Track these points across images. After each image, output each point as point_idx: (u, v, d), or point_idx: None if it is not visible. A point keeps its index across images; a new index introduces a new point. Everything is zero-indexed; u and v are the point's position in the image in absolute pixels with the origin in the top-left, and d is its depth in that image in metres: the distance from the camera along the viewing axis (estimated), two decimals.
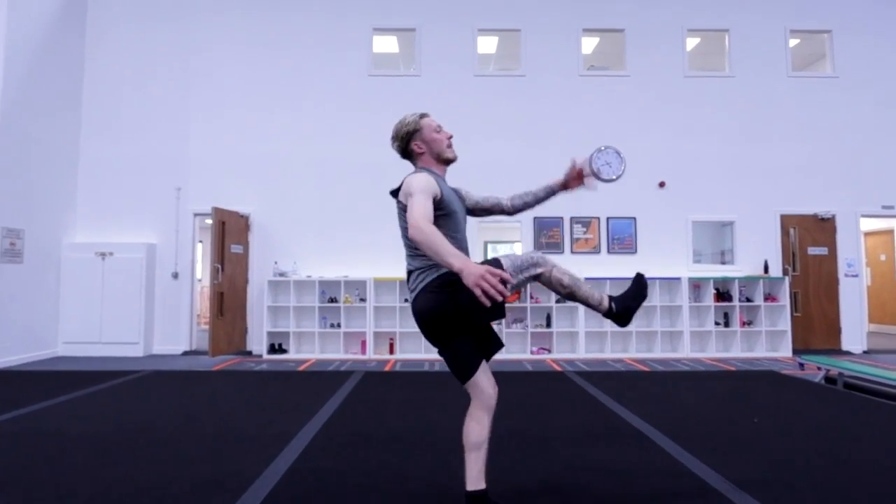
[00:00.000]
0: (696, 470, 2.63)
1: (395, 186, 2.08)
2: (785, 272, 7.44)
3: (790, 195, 7.57)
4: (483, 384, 2.03)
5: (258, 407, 4.14)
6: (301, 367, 6.25)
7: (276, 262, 7.26)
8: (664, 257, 7.44)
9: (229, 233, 7.03)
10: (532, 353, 7.11)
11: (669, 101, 7.65)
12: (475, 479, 2.01)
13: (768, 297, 7.28)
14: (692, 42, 8.04)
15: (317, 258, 7.33)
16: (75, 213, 7.36)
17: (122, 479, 2.52)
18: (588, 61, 8.11)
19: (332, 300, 7.20)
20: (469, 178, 8.06)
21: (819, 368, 5.21)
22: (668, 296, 7.31)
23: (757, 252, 7.49)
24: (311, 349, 7.14)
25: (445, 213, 2.01)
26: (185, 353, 7.18)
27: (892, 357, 6.97)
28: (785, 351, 7.11)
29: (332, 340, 7.18)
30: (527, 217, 7.47)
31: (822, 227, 7.55)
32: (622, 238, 7.49)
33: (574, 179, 2.50)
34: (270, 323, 7.11)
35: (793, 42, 7.93)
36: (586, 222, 7.49)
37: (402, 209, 2.01)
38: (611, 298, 2.13)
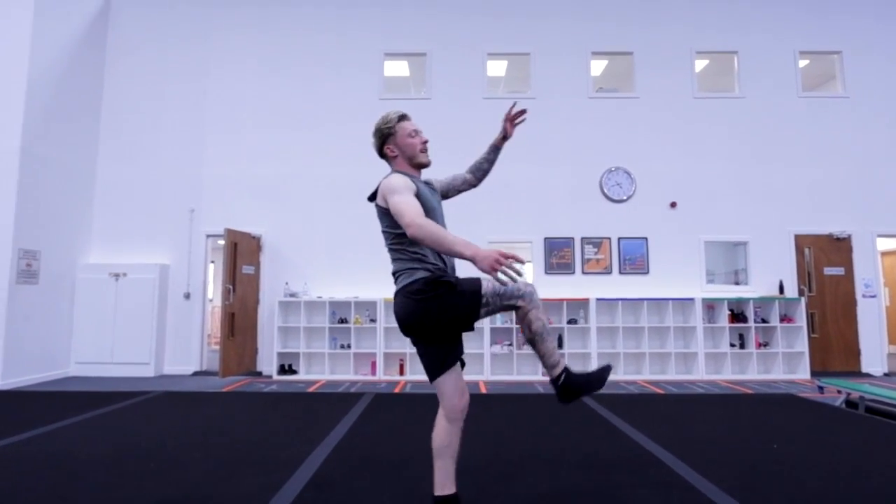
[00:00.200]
0: (713, 497, 2.56)
1: (372, 191, 2.13)
2: (801, 293, 7.33)
3: (804, 215, 7.50)
4: (447, 391, 2.06)
5: (269, 428, 4.11)
6: (311, 388, 6.22)
7: (286, 283, 7.29)
8: (677, 277, 7.37)
9: (241, 254, 7.09)
10: (543, 374, 7.01)
11: (679, 121, 7.67)
12: (440, 484, 2.04)
13: (784, 318, 7.16)
14: (701, 63, 8.09)
15: (327, 279, 7.35)
16: (90, 234, 7.47)
17: (133, 500, 2.50)
18: (597, 83, 8.18)
19: (343, 321, 7.19)
20: (479, 199, 8.10)
21: (839, 392, 5.09)
22: (681, 317, 7.21)
23: (771, 272, 7.39)
24: (322, 370, 7.11)
25: (423, 212, 2.01)
26: (196, 374, 7.19)
27: None
28: (803, 373, 6.96)
29: (342, 361, 7.15)
30: (537, 237, 7.47)
31: (837, 247, 7.45)
32: (634, 258, 7.44)
33: (508, 124, 2.51)
34: (281, 343, 7.11)
35: (802, 63, 7.94)
36: (597, 243, 7.46)
37: (383, 212, 2.07)
38: (567, 369, 2.01)
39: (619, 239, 7.46)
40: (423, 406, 5.11)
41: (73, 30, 7.13)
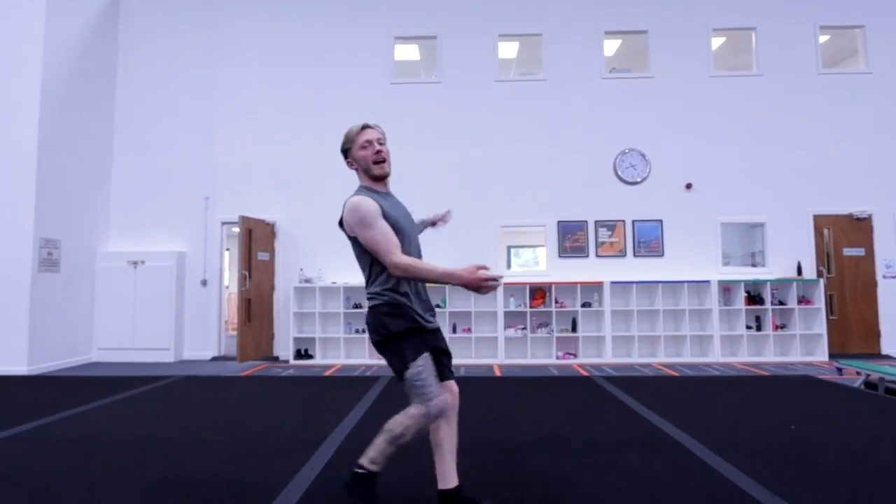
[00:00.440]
0: (731, 477, 2.56)
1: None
2: (819, 274, 7.22)
3: (823, 195, 7.35)
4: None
5: (287, 411, 4.18)
6: (327, 373, 6.30)
7: (301, 269, 7.35)
8: (692, 260, 7.29)
9: (256, 240, 7.15)
10: (558, 357, 7.03)
11: (695, 101, 7.53)
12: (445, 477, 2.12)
13: (802, 300, 7.07)
14: (717, 41, 7.90)
15: (341, 264, 7.39)
16: (108, 223, 7.59)
17: (158, 481, 2.57)
18: (610, 63, 8.04)
19: (357, 306, 7.25)
20: (491, 183, 8.05)
21: (858, 373, 5.03)
22: (696, 299, 7.15)
23: (789, 254, 7.29)
24: (337, 354, 7.19)
25: (397, 238, 2.03)
26: (214, 359, 7.31)
27: None
28: (821, 355, 6.88)
29: (357, 346, 7.23)
30: (551, 221, 7.43)
31: (857, 228, 7.31)
32: (648, 241, 7.37)
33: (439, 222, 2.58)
34: (296, 329, 7.19)
35: (822, 39, 7.72)
36: (611, 225, 7.40)
37: (353, 240, 2.09)
38: (370, 475, 2.03)
39: (634, 221, 7.38)
40: None
41: (84, 20, 7.17)
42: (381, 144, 2.16)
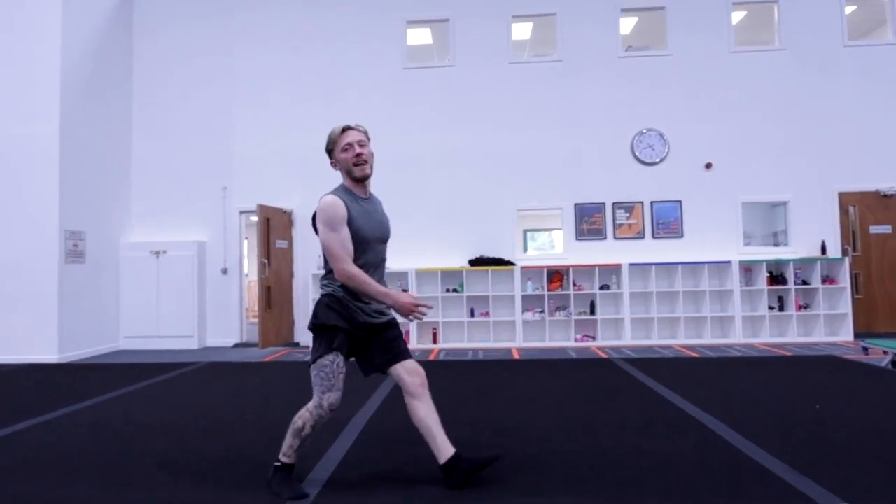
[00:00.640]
0: (755, 456, 2.55)
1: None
2: (844, 252, 7.07)
3: (849, 171, 7.17)
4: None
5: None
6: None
7: (319, 256, 7.42)
8: (712, 241, 7.19)
9: (274, 228, 7.23)
10: (576, 340, 7.02)
11: (715, 78, 7.36)
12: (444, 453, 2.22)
13: (826, 280, 6.94)
14: (738, 16, 7.69)
15: None
16: (130, 214, 7.72)
17: (190, 463, 2.65)
18: (627, 42, 7.89)
19: None
20: (506, 167, 7.98)
21: (885, 353, 4.95)
22: (717, 280, 7.07)
23: (813, 232, 7.14)
24: None
25: (354, 243, 2.10)
26: (237, 346, 7.46)
27: None
28: (846, 335, 6.77)
29: None
30: (567, 203, 7.37)
31: (884, 205, 7.13)
32: (667, 222, 7.28)
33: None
34: None
35: (849, 9, 7.47)
36: (629, 207, 7.32)
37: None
38: (278, 468, 2.23)
39: (652, 203, 7.29)
40: (456, 373, 5.20)
41: (100, 12, 7.23)
42: (361, 147, 2.18)
